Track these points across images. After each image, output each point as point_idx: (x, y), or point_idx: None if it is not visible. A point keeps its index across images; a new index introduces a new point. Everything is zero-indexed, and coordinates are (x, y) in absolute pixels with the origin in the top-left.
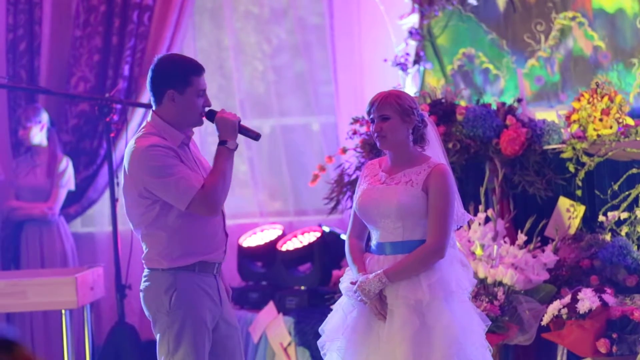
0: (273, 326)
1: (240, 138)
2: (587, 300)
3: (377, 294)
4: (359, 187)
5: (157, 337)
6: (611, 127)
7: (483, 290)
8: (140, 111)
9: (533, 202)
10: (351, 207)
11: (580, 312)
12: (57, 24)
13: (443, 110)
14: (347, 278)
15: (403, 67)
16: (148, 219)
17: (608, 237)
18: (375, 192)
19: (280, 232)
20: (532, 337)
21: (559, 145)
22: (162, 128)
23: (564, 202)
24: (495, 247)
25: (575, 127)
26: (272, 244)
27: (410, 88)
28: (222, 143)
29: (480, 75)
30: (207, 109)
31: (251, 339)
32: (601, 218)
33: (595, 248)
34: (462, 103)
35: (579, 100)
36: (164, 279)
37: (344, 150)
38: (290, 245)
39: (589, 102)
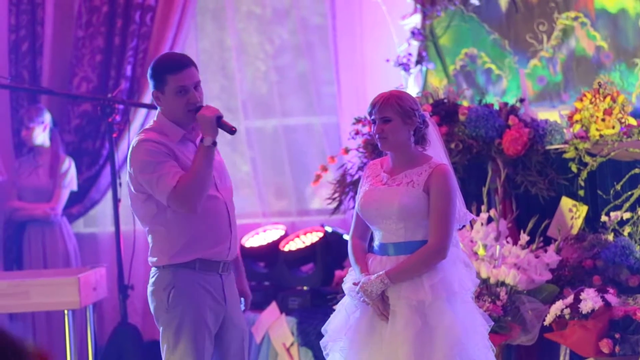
0: (276, 326)
1: (242, 138)
2: (589, 300)
3: (379, 295)
4: (361, 187)
5: (160, 331)
6: (613, 127)
7: (486, 290)
8: (142, 111)
9: (535, 202)
10: (353, 207)
11: (583, 312)
12: (60, 25)
13: (445, 111)
14: (350, 278)
15: (405, 67)
16: (149, 214)
17: (611, 237)
18: (377, 193)
19: (282, 233)
20: (534, 337)
21: (562, 146)
22: (164, 124)
23: (566, 202)
24: (498, 247)
25: (577, 127)
26: (275, 244)
27: (413, 88)
28: (201, 140)
29: (483, 75)
30: (198, 105)
31: (254, 339)
32: (604, 218)
33: (598, 248)
34: (465, 103)
35: (581, 100)
36: (163, 276)
37: (347, 151)
38: (293, 245)
39: (591, 102)
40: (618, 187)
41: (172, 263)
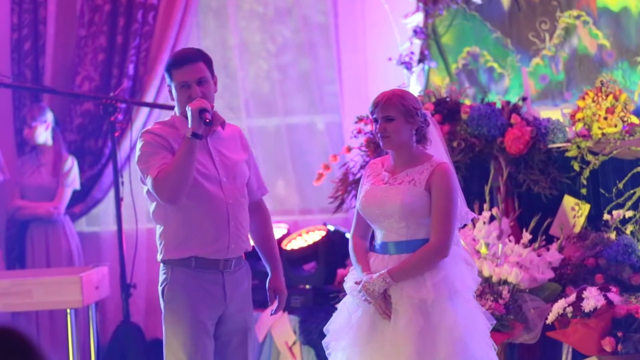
0: (278, 325)
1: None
2: (592, 298)
3: (381, 294)
4: (362, 187)
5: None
6: (616, 126)
7: (488, 289)
8: (144, 110)
9: (538, 201)
10: (355, 206)
11: (586, 311)
12: (62, 24)
13: (448, 109)
14: (352, 277)
15: (408, 66)
16: (151, 208)
17: (613, 235)
18: (378, 192)
19: (285, 231)
20: (537, 336)
21: (564, 144)
22: (176, 117)
23: (568, 201)
24: (500, 245)
25: (580, 126)
26: (277, 243)
27: (415, 87)
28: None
29: (485, 74)
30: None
31: (256, 338)
32: (606, 216)
33: (600, 246)
34: (467, 102)
35: (583, 98)
36: (163, 271)
37: (349, 149)
38: (295, 244)
39: (593, 101)
40: (620, 185)
41: (169, 258)
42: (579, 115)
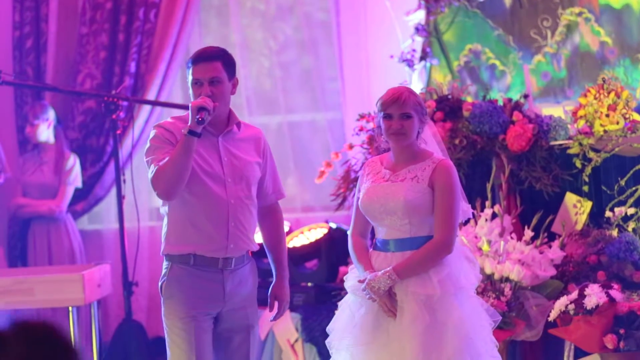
0: (280, 323)
1: None
2: (594, 296)
3: (386, 291)
4: (362, 185)
5: None
6: (618, 123)
7: (490, 286)
8: (146, 108)
9: (540, 198)
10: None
11: (588, 308)
12: (64, 21)
13: (449, 106)
14: (352, 276)
15: (409, 63)
16: (161, 201)
17: (615, 232)
18: (380, 189)
19: (287, 229)
20: (539, 333)
21: (566, 141)
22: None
23: (570, 198)
24: (502, 243)
25: (581, 123)
26: None
27: (417, 84)
28: None
29: (487, 71)
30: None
31: (258, 336)
32: (608, 214)
33: (602, 244)
34: (469, 99)
35: (585, 96)
36: (164, 266)
37: (351, 147)
38: (297, 241)
39: (595, 98)
40: (622, 182)
41: (168, 253)
42: (580, 113)
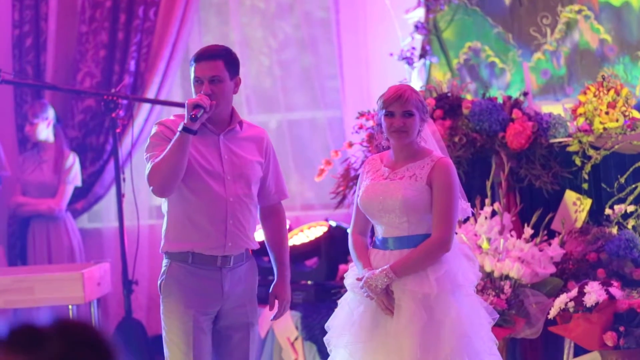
0: (280, 321)
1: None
2: (593, 293)
3: (384, 289)
4: (361, 183)
5: None
6: (617, 120)
7: (490, 284)
8: (146, 107)
9: (539, 196)
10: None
11: (587, 306)
12: (63, 20)
13: (449, 104)
14: (352, 274)
15: (409, 61)
16: (162, 199)
17: (614, 230)
18: (379, 187)
19: (286, 227)
20: (539, 331)
21: (565, 139)
22: None
23: (570, 196)
24: (502, 240)
25: (581, 121)
26: None
27: (417, 82)
28: None
29: (486, 69)
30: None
31: (258, 334)
32: (608, 211)
33: (602, 241)
34: (468, 97)
35: (585, 93)
36: (163, 264)
37: (350, 145)
38: (297, 239)
39: (595, 96)
40: (622, 180)
41: (167, 250)
42: (580, 110)
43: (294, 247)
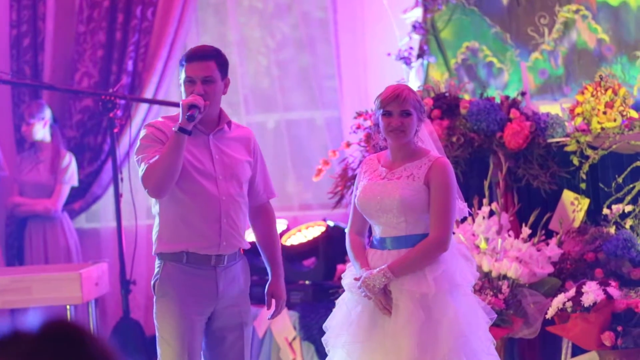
0: (278, 321)
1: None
2: (591, 293)
3: (381, 289)
4: (359, 183)
5: None
6: (615, 120)
7: (487, 283)
8: (144, 106)
9: (537, 196)
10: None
11: (585, 305)
12: (61, 20)
13: (447, 104)
14: (350, 274)
15: (407, 61)
16: (153, 200)
17: (612, 230)
18: (376, 187)
19: (284, 227)
20: (536, 331)
21: (563, 139)
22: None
23: (568, 195)
24: (500, 240)
25: (579, 120)
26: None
27: (414, 82)
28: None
29: (484, 68)
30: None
31: (256, 334)
32: (605, 211)
33: (600, 241)
34: (466, 97)
35: (582, 93)
36: (156, 265)
37: (348, 145)
38: (295, 239)
39: (592, 95)
40: (620, 179)
41: (161, 252)
42: (578, 110)
43: (291, 247)
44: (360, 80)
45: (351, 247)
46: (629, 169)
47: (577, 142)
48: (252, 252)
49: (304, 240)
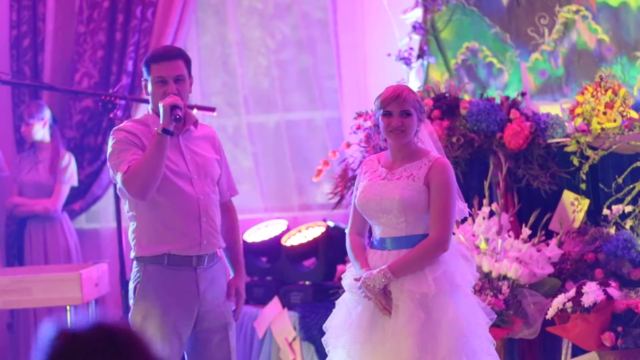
0: (278, 321)
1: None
2: (591, 293)
3: (381, 289)
4: (359, 183)
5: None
6: (615, 121)
7: (487, 284)
8: (143, 107)
9: (537, 196)
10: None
11: (585, 306)
12: (61, 20)
13: (447, 105)
14: (350, 274)
15: (407, 61)
16: (125, 204)
17: (612, 230)
18: (376, 187)
19: (284, 227)
20: (536, 331)
21: (563, 139)
22: (148, 114)
23: (568, 196)
24: (500, 241)
25: (579, 121)
26: (277, 239)
27: (414, 82)
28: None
29: (484, 69)
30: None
31: (256, 334)
32: (605, 211)
33: (600, 241)
34: (466, 97)
35: (582, 93)
36: (136, 269)
37: (348, 145)
38: (295, 240)
39: (592, 96)
40: (620, 180)
41: (141, 255)
42: (578, 110)
43: (291, 248)
44: (360, 80)
45: (351, 247)
46: (629, 170)
47: (577, 142)
48: (253, 252)
49: (304, 240)
